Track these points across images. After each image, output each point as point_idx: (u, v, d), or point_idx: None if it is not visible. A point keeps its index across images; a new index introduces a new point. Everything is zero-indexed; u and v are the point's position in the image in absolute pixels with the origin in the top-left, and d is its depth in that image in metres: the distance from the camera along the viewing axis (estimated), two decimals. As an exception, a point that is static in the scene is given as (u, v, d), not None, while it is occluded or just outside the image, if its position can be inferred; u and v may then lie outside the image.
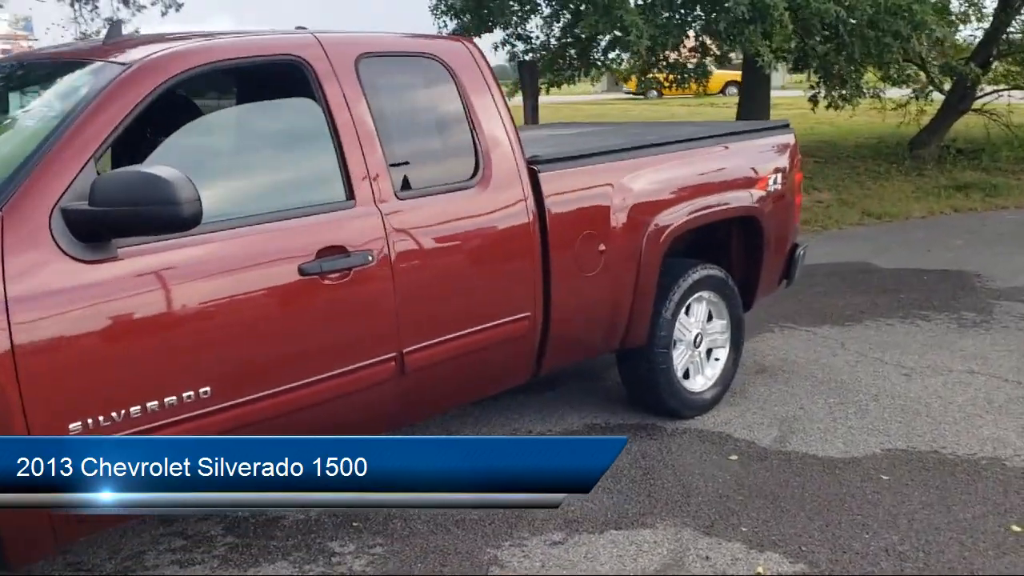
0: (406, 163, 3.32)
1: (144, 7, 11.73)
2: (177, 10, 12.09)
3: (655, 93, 29.57)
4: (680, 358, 4.47)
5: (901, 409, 4.63)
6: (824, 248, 8.80)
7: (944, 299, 6.79)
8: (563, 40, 11.31)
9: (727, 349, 4.71)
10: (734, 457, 4.12)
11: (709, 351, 4.68)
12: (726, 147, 4.59)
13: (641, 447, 4.23)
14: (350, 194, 3.09)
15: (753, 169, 4.64)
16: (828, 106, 12.01)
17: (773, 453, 4.16)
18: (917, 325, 6.13)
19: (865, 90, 11.53)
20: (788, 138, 4.99)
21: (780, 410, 4.66)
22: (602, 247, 3.88)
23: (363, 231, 3.07)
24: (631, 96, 35.75)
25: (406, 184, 3.27)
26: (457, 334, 3.37)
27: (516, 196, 3.57)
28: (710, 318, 4.64)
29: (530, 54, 11.46)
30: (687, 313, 4.49)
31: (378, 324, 3.13)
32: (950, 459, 4.05)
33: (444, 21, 10.73)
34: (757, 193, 4.63)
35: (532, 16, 10.70)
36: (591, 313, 3.94)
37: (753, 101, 12.08)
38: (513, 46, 11.02)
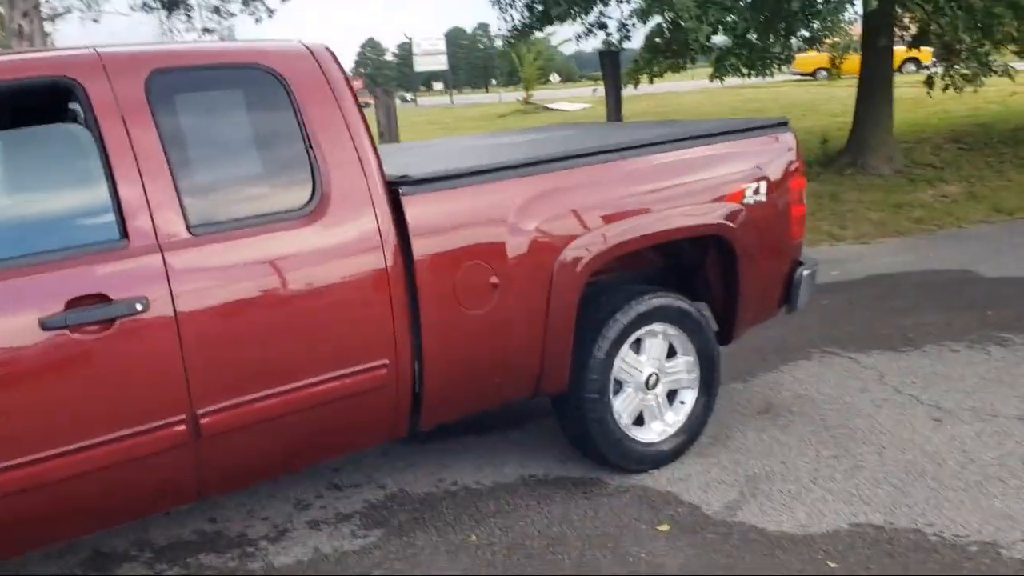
0: (211, 193, 2.89)
1: (234, 14, 11.90)
2: (270, 16, 12.16)
3: (825, 74, 27.89)
4: (627, 403, 3.83)
5: (905, 467, 3.79)
6: (927, 252, 7.75)
7: (1037, 319, 5.71)
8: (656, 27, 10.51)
9: (694, 391, 4.00)
10: (664, 527, 3.46)
11: (673, 393, 4.00)
12: (684, 154, 3.88)
13: (564, 510, 3.64)
14: (123, 232, 2.68)
15: (720, 179, 3.91)
16: (946, 88, 10.64)
17: (714, 524, 3.46)
18: (987, 352, 5.14)
19: (994, 67, 10.08)
20: (781, 140, 4.21)
21: (755, 465, 3.92)
22: (494, 280, 3.31)
23: (133, 275, 2.66)
24: (800, 78, 33.94)
25: (208, 217, 2.83)
26: (276, 390, 2.91)
27: (366, 224, 3.06)
28: (672, 354, 3.95)
29: (624, 42, 10.71)
30: (638, 350, 3.83)
31: (157, 382, 2.71)
32: (930, 543, 3.23)
33: (510, 15, 10.19)
34: (725, 207, 3.90)
35: (607, 3, 9.94)
36: (483, 357, 3.38)
37: (874, 83, 10.86)
38: (593, 34, 10.31)
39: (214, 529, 3.65)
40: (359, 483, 3.97)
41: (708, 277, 4.15)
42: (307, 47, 3.16)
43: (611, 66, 9.85)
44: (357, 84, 76.08)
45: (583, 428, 3.74)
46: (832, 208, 9.54)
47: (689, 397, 4.00)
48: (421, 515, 3.66)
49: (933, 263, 7.38)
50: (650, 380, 3.86)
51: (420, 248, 3.16)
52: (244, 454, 2.96)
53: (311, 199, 3.00)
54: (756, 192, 4.01)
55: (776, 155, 4.16)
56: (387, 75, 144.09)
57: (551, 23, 9.84)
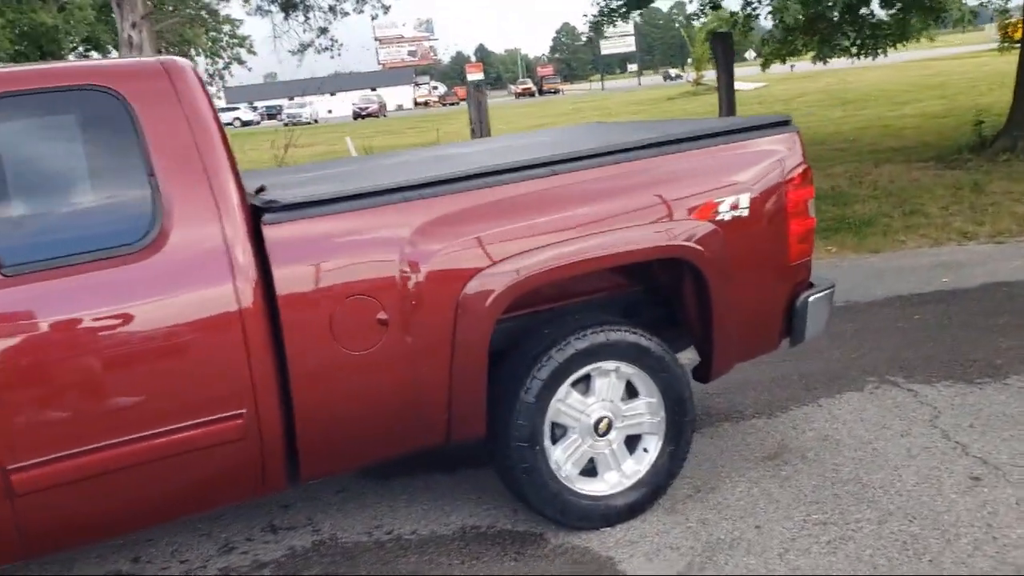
0: (29, 228, 2.68)
1: (348, 13, 11.88)
2: (386, 12, 12.07)
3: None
4: (571, 450, 3.35)
5: (904, 543, 3.11)
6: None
7: None
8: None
9: (659, 437, 3.46)
10: (578, 606, 2.97)
11: (636, 439, 3.48)
12: (637, 166, 3.33)
13: (490, 570, 3.21)
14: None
15: (683, 193, 3.34)
16: None
17: (637, 605, 2.94)
18: (1083, 388, 4.25)
19: None
20: (778, 143, 3.58)
21: (725, 528, 3.34)
22: (383, 316, 2.93)
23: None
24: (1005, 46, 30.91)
25: (24, 255, 2.61)
26: (104, 444, 2.66)
27: (213, 258, 2.76)
28: (635, 394, 3.43)
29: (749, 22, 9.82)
30: (585, 391, 3.34)
31: (-41, 436, 2.52)
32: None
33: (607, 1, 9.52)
34: (690, 226, 3.32)
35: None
36: (374, 402, 3.00)
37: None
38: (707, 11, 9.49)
39: (131, 571, 3.48)
40: (296, 525, 3.69)
41: (686, 306, 3.58)
42: (161, 64, 2.88)
43: (723, 49, 9.09)
44: (548, 70, 76.41)
45: (511, 478, 3.29)
46: (971, 200, 8.42)
47: (653, 444, 3.47)
48: (335, 570, 3.34)
49: (1070, 270, 6.29)
50: (601, 425, 3.36)
51: (285, 283, 2.82)
52: (75, 512, 2.73)
53: (148, 231, 2.72)
54: (735, 207, 3.40)
55: (768, 161, 3.52)
56: (582, 59, 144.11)
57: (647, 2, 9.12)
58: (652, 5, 9.42)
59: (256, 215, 2.84)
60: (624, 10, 9.11)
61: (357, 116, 59.71)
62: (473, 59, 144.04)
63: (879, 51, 9.09)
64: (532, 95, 76.91)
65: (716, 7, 9.26)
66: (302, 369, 2.86)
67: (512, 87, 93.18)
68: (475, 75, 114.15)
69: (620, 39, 72.30)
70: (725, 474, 3.75)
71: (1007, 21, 11.94)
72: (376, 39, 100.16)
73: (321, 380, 2.90)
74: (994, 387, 4.36)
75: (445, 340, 3.01)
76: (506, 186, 3.12)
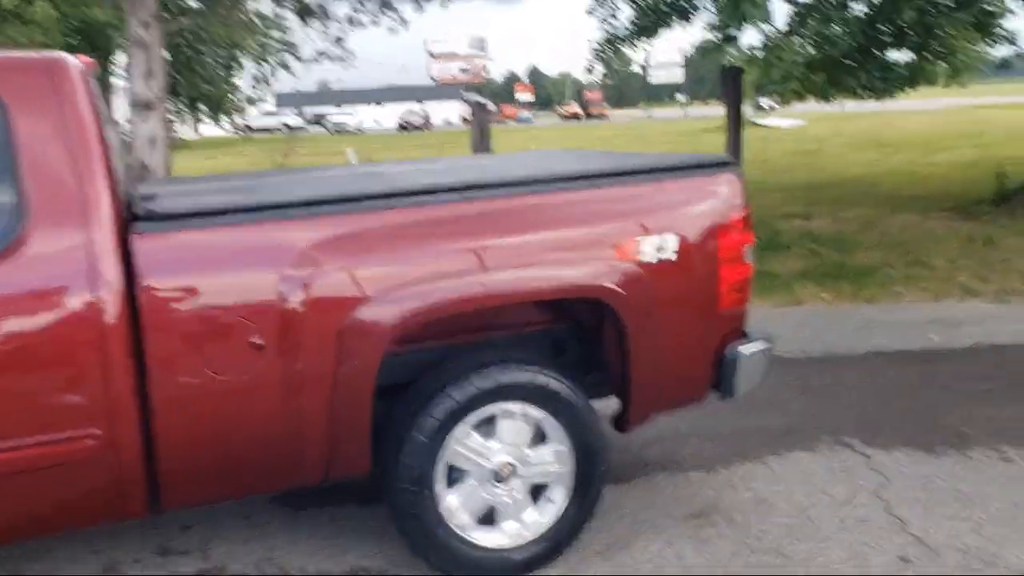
0: None
1: (364, 25, 11.77)
2: (404, 26, 11.95)
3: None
4: (467, 497, 3.14)
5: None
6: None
7: None
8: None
9: (566, 489, 3.24)
10: (443, 667, 2.76)
11: (540, 488, 3.26)
12: (556, 198, 3.13)
13: (358, 620, 3.02)
14: None
15: (605, 231, 3.14)
16: None
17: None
18: (1047, 467, 3.96)
19: None
20: (717, 185, 3.36)
21: (624, 592, 3.11)
22: (258, 341, 2.75)
23: None
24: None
25: None
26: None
27: (72, 266, 2.60)
28: (544, 439, 3.22)
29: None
30: (488, 433, 3.14)
31: None
32: None
33: (609, 24, 9.28)
34: (609, 265, 3.12)
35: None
36: (244, 433, 2.82)
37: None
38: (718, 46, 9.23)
39: (7, 586, 3.33)
40: (189, 550, 3.52)
41: (608, 349, 3.37)
42: (43, 61, 2.74)
43: (733, 85, 8.85)
44: (596, 96, 76.19)
45: (400, 524, 3.09)
46: (981, 255, 8.08)
47: (559, 496, 3.25)
48: (207, 603, 3.16)
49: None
50: (503, 471, 3.15)
51: (151, 298, 2.65)
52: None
53: (6, 235, 2.58)
54: (660, 249, 3.19)
55: (704, 203, 3.31)
56: (633, 86, 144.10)
57: (658, 28, 8.84)
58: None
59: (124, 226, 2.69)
60: (634, 37, 8.88)
61: (402, 128, 60.04)
62: (526, 80, 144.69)
63: (888, 94, 8.78)
64: (578, 119, 77.01)
65: (730, 40, 9.01)
66: (165, 392, 2.69)
67: (559, 109, 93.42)
68: (525, 95, 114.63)
69: (670, 69, 71.95)
70: (643, 531, 3.52)
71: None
72: (430, 54, 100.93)
73: (186, 405, 2.73)
74: (954, 459, 4.08)
75: (326, 371, 2.82)
76: (407, 210, 2.93)
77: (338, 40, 11.80)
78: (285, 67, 43.07)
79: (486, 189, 3.05)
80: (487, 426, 3.14)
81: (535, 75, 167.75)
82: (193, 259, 2.72)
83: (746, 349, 3.44)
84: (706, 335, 3.37)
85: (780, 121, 29.82)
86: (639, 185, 3.26)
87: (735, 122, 8.88)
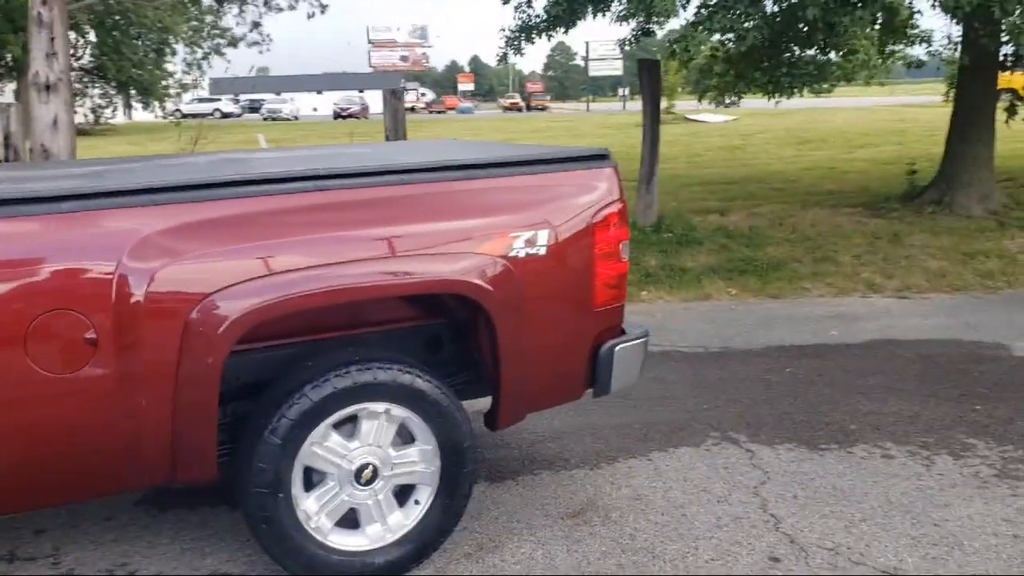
0: None
1: (282, 9, 11.41)
2: (323, 11, 11.66)
3: None
4: (326, 499, 3.02)
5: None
6: (970, 316, 6.41)
7: (1026, 421, 4.45)
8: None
9: (432, 489, 3.15)
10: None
11: (407, 489, 3.16)
12: (419, 189, 3.03)
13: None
14: None
15: (472, 224, 3.04)
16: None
17: None
18: (928, 464, 3.99)
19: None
20: (592, 179, 3.29)
21: (486, 596, 3.03)
22: (91, 335, 2.60)
23: None
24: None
25: None
26: None
27: None
28: (411, 440, 3.12)
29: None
30: (350, 434, 3.02)
31: None
32: None
33: (523, 12, 9.13)
34: (476, 260, 3.02)
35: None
36: (74, 433, 2.67)
37: (971, 110, 9.28)
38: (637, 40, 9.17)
39: None
40: (39, 555, 3.34)
41: (481, 346, 3.28)
42: None
43: (648, 79, 8.82)
44: (537, 87, 76.35)
45: (253, 528, 2.97)
46: (886, 252, 8.19)
47: (425, 496, 3.15)
48: (52, 612, 3.00)
49: (966, 331, 6.06)
50: (364, 472, 3.04)
51: (-27, 291, 2.49)
52: None
53: None
54: (531, 243, 3.11)
55: (578, 197, 3.24)
56: (575, 79, 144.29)
57: (574, 19, 8.72)
58: (651, 32, 8.91)
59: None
60: (549, 27, 8.77)
61: (337, 116, 59.34)
62: (467, 69, 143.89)
63: (795, 92, 8.84)
64: (520, 110, 76.86)
65: (648, 34, 8.97)
66: (-11, 390, 2.53)
67: (501, 100, 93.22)
68: (466, 85, 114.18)
69: (610, 62, 72.05)
70: (517, 531, 3.45)
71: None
72: (369, 41, 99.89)
73: (8, 403, 2.57)
74: (837, 455, 4.08)
75: (167, 369, 2.69)
76: (257, 199, 2.80)
77: (255, 25, 11.52)
78: (219, 53, 42.29)
79: (345, 179, 2.93)
80: (349, 426, 3.03)
81: (477, 64, 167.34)
82: (14, 249, 2.56)
83: (622, 346, 3.37)
84: (580, 332, 3.30)
85: (711, 117, 30.07)
86: (510, 177, 3.17)
87: (652, 116, 8.86)
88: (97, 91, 40.76)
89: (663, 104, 31.10)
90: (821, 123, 26.12)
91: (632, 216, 9.12)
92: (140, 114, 46.14)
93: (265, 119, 57.90)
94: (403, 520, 3.13)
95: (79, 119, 40.37)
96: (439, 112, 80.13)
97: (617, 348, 3.37)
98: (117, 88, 40.19)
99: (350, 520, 3.10)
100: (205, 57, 42.30)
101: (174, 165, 3.65)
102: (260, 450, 2.86)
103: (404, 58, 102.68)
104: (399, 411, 3.05)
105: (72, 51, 38.64)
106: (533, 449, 4.21)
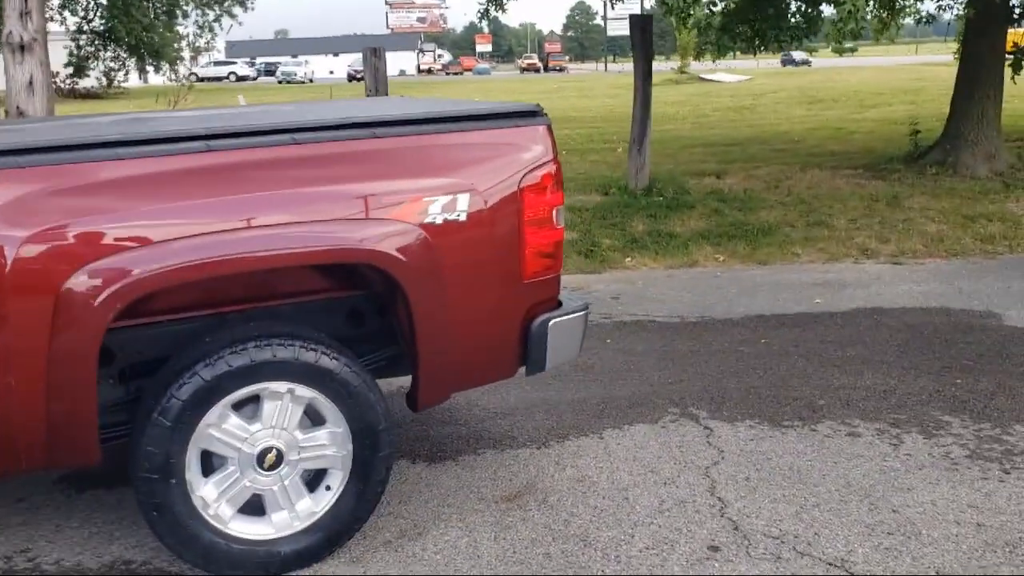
0: None
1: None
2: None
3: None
4: (226, 485, 2.82)
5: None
6: (964, 282, 6.13)
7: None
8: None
9: (344, 474, 2.93)
10: None
11: (320, 474, 2.95)
12: (317, 149, 2.78)
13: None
14: None
15: (377, 187, 2.80)
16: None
17: None
18: (897, 443, 3.75)
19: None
20: (520, 138, 3.03)
21: (398, 588, 2.83)
22: (-48, 312, 2.40)
23: None
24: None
25: None
26: None
27: None
28: (321, 422, 2.90)
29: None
30: (252, 416, 2.81)
31: None
32: None
33: None
34: (385, 227, 2.79)
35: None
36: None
37: (979, 67, 8.87)
38: None
39: None
40: (-60, 540, 3.17)
41: (401, 320, 3.05)
42: None
43: (641, 35, 8.48)
44: (556, 47, 75.79)
45: (146, 516, 2.77)
46: (884, 215, 7.87)
47: (336, 482, 2.94)
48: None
49: (958, 299, 5.77)
50: (268, 456, 2.83)
51: None
52: None
53: None
54: (449, 209, 2.86)
55: (503, 159, 2.98)
56: (594, 39, 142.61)
57: None
58: None
59: None
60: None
61: (352, 78, 58.91)
62: (486, 30, 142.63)
63: (781, 45, 8.45)
64: (537, 71, 76.24)
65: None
66: None
67: (519, 61, 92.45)
68: (484, 46, 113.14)
69: (625, 22, 71.02)
70: (446, 516, 3.24)
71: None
72: (387, 3, 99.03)
73: None
74: (799, 433, 3.84)
75: (38, 345, 2.48)
76: (143, 161, 2.57)
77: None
78: (230, 15, 41.88)
79: (234, 138, 2.69)
80: (252, 407, 2.81)
81: (496, 26, 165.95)
82: None
83: (556, 320, 3.13)
84: (508, 306, 3.06)
85: (726, 77, 29.47)
86: (424, 136, 2.91)
87: (644, 75, 8.53)
88: (109, 54, 40.49)
89: (676, 64, 30.51)
90: (837, 82, 25.48)
91: (623, 179, 8.84)
92: (155, 77, 45.90)
93: (280, 82, 57.60)
94: (312, 507, 2.93)
95: (91, 82, 40.30)
96: (455, 73, 79.77)
97: (551, 322, 3.12)
98: (128, 51, 39.94)
99: (257, 507, 2.89)
100: (217, 19, 42.02)
101: (74, 125, 3.42)
102: (149, 432, 2.66)
103: (422, 19, 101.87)
104: (304, 391, 2.83)
105: (83, 14, 38.51)
106: (482, 426, 4.00)
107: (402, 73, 78.35)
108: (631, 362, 4.76)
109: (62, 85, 38.84)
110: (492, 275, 3.00)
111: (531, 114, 3.09)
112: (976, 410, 4.04)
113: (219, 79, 59.44)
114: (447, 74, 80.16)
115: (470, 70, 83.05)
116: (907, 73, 25.81)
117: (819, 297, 5.88)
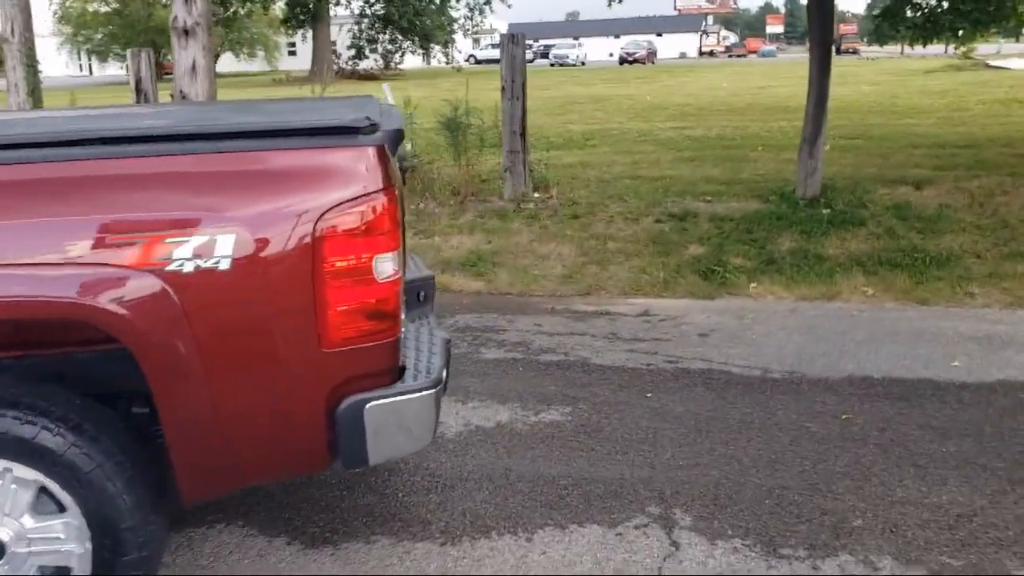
0: None
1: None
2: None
3: None
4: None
5: None
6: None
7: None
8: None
9: (83, 572, 2.34)
10: None
11: (64, 570, 2.38)
12: (44, 169, 2.17)
13: None
14: None
15: (106, 219, 2.16)
16: None
17: None
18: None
19: None
20: (321, 160, 2.27)
21: None
22: None
23: None
24: None
25: None
26: None
27: None
28: (61, 510, 2.33)
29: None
30: (-30, 497, 2.29)
31: None
32: None
33: None
34: (103, 274, 2.14)
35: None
36: None
37: None
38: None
39: None
40: None
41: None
42: None
43: (820, 16, 7.16)
44: (851, 29, 71.15)
45: None
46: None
47: (77, 580, 2.35)
48: None
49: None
50: (-13, 548, 2.29)
51: None
52: None
53: None
54: (204, 253, 2.17)
55: (295, 190, 2.24)
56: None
57: None
58: None
59: None
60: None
61: (623, 61, 58.30)
62: (781, 10, 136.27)
63: (955, 34, 6.72)
64: (716, 55, 72.52)
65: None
66: None
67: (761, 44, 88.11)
68: (775, 27, 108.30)
69: (929, 0, 64.80)
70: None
71: None
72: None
73: None
74: (791, 569, 2.78)
75: None
76: None
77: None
78: (502, -1, 42.50)
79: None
80: (-27, 488, 2.28)
81: (793, 5, 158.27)
82: None
83: (377, 403, 2.34)
84: (298, 384, 2.31)
85: (1019, 64, 25.77)
86: (184, 157, 2.22)
87: (821, 64, 7.23)
88: (387, 37, 42.51)
89: (961, 49, 27.09)
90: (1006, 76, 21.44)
91: (792, 185, 7.59)
92: (435, 61, 47.71)
93: (552, 65, 57.94)
94: (48, 615, 2.35)
95: (368, 64, 42.51)
96: (739, 56, 77.19)
97: (368, 405, 2.34)
98: (402, 34, 41.71)
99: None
100: (488, 2, 42.89)
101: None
102: None
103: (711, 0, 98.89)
104: (27, 472, 2.26)
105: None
106: (408, 500, 3.27)
107: (682, 56, 76.67)
108: (652, 431, 3.81)
109: (344, 66, 41.32)
110: (271, 342, 2.26)
111: (351, 131, 2.30)
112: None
113: (495, 61, 60.86)
114: (729, 56, 77.48)
115: (755, 52, 79.93)
116: None
117: (962, 357, 4.52)
